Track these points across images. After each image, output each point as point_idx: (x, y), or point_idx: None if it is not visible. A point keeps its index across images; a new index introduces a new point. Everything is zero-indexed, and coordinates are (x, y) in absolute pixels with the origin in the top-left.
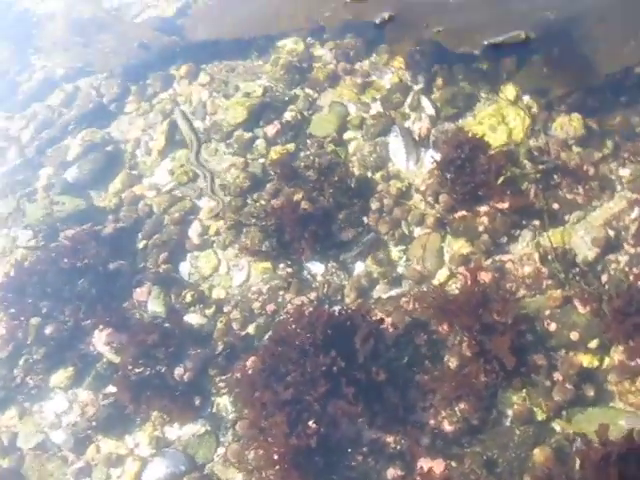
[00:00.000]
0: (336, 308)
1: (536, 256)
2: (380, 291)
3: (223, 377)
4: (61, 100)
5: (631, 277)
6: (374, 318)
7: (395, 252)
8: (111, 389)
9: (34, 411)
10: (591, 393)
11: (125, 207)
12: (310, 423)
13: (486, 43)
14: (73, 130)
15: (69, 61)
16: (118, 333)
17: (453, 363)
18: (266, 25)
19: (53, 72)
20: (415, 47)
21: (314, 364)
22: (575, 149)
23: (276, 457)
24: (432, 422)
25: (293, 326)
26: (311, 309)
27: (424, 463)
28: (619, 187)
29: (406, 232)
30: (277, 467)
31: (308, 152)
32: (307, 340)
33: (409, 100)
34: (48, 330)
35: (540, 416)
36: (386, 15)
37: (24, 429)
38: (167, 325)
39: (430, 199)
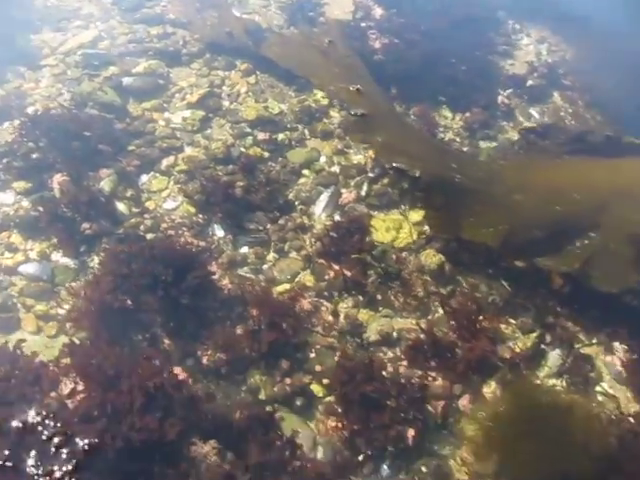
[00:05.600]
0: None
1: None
2: (242, 271)
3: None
4: (157, 33)
5: None
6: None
7: (271, 255)
8: None
9: None
10: None
11: (139, 122)
12: None
13: (394, 165)
14: (149, 57)
15: (178, 12)
16: (69, 184)
17: None
18: (314, 74)
19: (167, 13)
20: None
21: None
22: (424, 277)
23: None
24: None
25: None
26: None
27: None
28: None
29: (285, 249)
30: None
31: (274, 164)
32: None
33: (358, 179)
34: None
35: None
36: (359, 112)
37: None
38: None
39: (313, 240)
